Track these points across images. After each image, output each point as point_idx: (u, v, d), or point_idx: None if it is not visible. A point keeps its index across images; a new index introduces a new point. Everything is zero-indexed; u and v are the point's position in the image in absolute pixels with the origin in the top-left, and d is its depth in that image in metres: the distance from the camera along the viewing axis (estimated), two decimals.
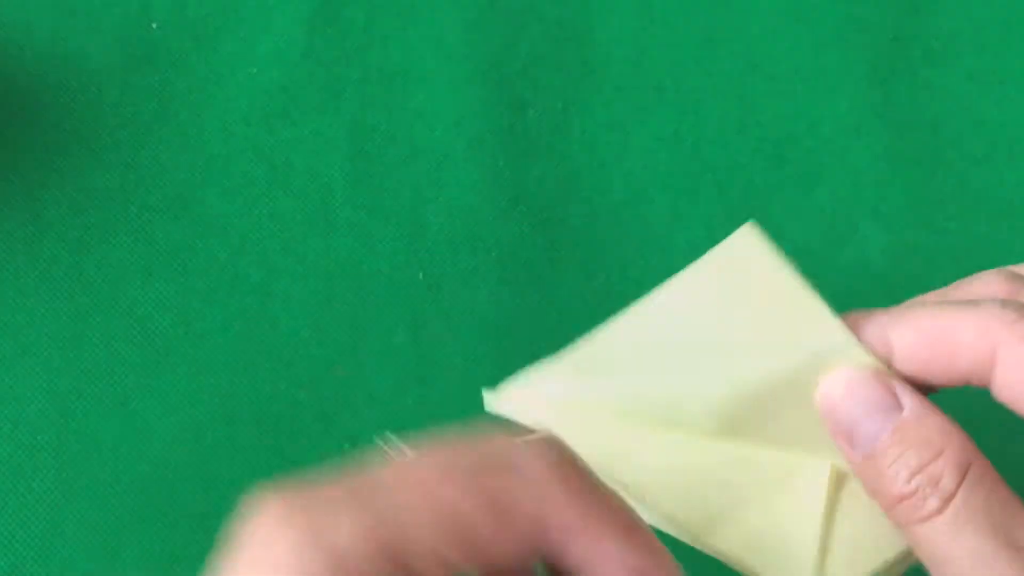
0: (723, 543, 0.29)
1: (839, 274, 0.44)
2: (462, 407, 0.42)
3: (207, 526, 0.40)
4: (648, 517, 0.29)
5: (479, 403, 0.42)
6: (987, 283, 0.30)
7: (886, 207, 0.44)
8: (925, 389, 0.30)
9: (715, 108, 0.45)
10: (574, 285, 0.43)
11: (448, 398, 0.41)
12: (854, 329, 0.29)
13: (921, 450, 0.27)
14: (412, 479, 0.22)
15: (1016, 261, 0.44)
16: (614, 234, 0.44)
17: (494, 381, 0.42)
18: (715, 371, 0.30)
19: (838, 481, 0.30)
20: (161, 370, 0.42)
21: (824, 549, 0.29)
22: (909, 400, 0.28)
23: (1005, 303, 0.28)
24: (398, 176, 0.44)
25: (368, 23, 0.45)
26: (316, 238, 0.43)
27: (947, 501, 0.27)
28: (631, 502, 0.26)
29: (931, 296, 0.31)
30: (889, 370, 0.29)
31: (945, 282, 0.44)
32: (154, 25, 0.45)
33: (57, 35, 0.44)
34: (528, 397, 0.30)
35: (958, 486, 0.27)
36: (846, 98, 0.45)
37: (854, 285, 0.43)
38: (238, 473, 0.41)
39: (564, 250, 0.44)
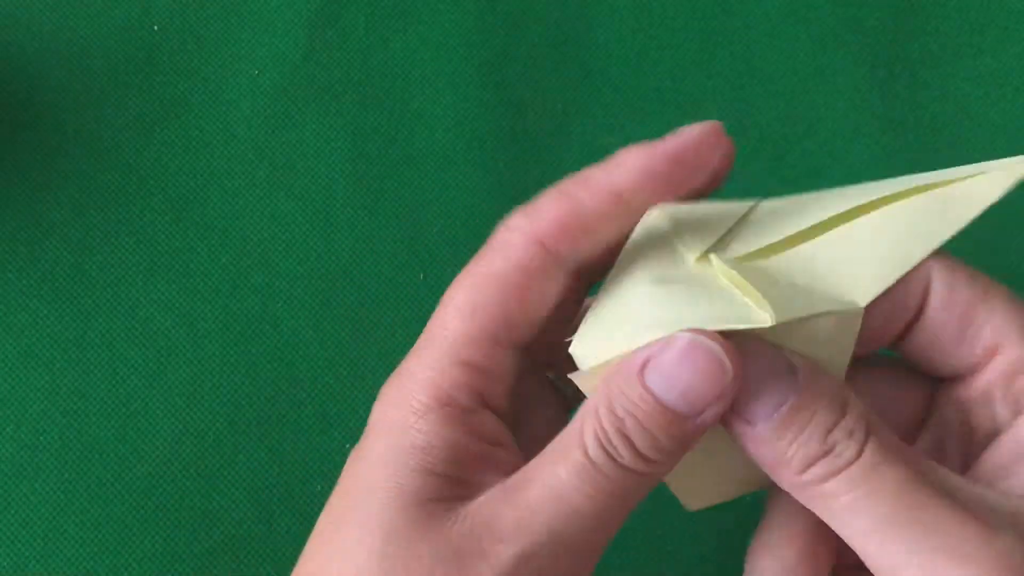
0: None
1: None
2: None
3: (209, 526, 0.40)
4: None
5: None
6: None
7: None
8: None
9: (714, 110, 0.45)
10: None
11: None
12: None
13: (830, 407, 0.28)
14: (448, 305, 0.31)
15: (1013, 263, 0.44)
16: None
17: None
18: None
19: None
20: (163, 371, 0.42)
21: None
22: (799, 360, 0.28)
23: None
24: (399, 177, 0.44)
25: (369, 25, 0.46)
26: (317, 239, 0.43)
27: (862, 446, 0.27)
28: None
29: None
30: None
31: None
32: (155, 27, 0.45)
33: (58, 37, 0.45)
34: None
35: (868, 432, 0.28)
36: (845, 99, 0.45)
37: None
38: (239, 473, 0.41)
39: None
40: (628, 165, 0.30)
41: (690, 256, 0.30)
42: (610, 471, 0.28)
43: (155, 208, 0.43)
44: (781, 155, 0.45)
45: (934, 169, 0.45)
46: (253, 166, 0.44)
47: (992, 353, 0.30)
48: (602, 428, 0.28)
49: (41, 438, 0.41)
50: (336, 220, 0.44)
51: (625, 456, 0.28)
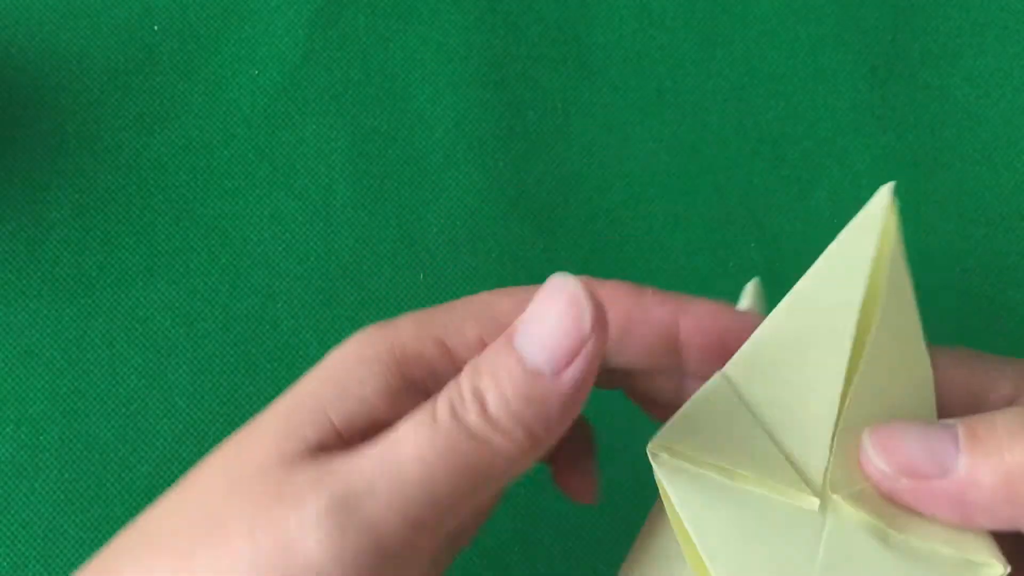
0: None
1: None
2: None
3: None
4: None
5: None
6: None
7: None
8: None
9: (714, 109, 0.45)
10: None
11: None
12: None
13: None
14: (470, 299, 0.30)
15: (1012, 262, 0.44)
16: (613, 235, 0.44)
17: None
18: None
19: None
20: (163, 371, 0.42)
21: None
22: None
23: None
24: (399, 177, 0.44)
25: (369, 25, 0.46)
26: (317, 239, 0.43)
27: None
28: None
29: None
30: None
31: (941, 284, 0.44)
32: (156, 27, 0.45)
33: (59, 37, 0.45)
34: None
35: None
36: (845, 99, 0.45)
37: None
38: None
39: (564, 250, 0.44)
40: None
41: (804, 502, 0.27)
42: (450, 433, 0.25)
43: (155, 208, 0.43)
44: (780, 155, 0.45)
45: (934, 169, 0.45)
46: (253, 166, 0.44)
47: (1010, 402, 0.30)
48: (458, 389, 0.26)
49: (41, 438, 0.41)
50: (336, 220, 0.44)
51: (471, 414, 0.26)
